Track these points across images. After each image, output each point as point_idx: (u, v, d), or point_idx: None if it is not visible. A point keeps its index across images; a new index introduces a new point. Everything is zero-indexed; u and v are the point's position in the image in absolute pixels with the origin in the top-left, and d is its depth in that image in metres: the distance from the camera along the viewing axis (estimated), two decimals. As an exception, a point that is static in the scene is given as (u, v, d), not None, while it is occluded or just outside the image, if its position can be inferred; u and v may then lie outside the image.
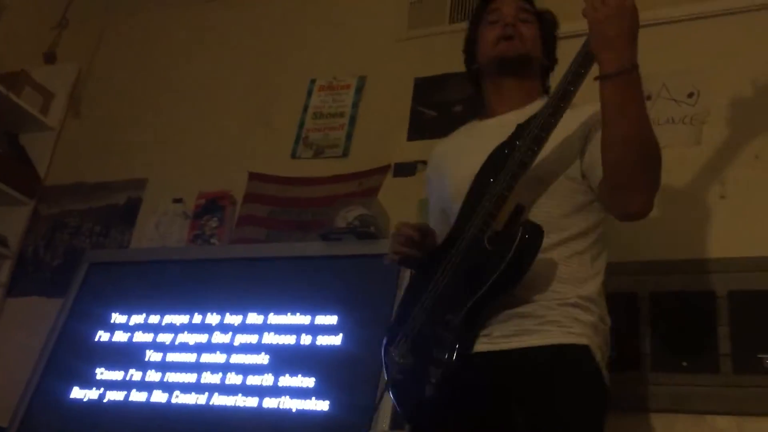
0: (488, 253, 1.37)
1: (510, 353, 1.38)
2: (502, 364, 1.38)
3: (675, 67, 2.19)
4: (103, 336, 2.52)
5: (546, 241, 1.36)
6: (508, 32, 1.61)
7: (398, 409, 1.53)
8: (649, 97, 2.10)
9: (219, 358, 2.31)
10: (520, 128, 1.46)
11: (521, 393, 1.36)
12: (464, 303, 1.38)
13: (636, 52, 1.32)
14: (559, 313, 1.39)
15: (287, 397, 2.15)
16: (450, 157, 1.69)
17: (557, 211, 1.47)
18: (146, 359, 2.41)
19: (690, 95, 2.17)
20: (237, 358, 2.29)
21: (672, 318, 1.90)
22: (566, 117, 1.41)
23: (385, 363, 1.54)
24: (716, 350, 1.83)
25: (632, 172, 1.34)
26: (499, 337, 1.40)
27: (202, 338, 2.37)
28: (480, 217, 1.41)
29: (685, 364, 1.84)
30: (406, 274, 2.13)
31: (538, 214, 1.44)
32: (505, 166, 1.41)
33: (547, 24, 1.71)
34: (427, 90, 2.63)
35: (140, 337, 2.47)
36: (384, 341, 1.57)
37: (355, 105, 2.74)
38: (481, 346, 1.40)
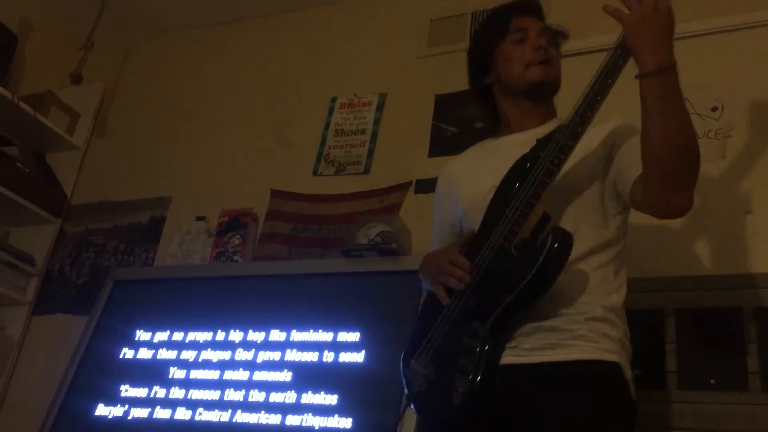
0: (516, 260, 1.37)
1: (538, 366, 1.37)
2: (529, 378, 1.37)
3: (698, 82, 2.18)
4: (127, 353, 2.54)
5: (572, 252, 1.36)
6: (543, 57, 1.59)
7: (422, 420, 1.52)
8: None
9: (242, 375, 2.32)
10: (541, 142, 1.46)
11: (549, 407, 1.35)
12: (492, 311, 1.38)
13: (672, 51, 1.34)
14: (588, 328, 1.39)
15: (310, 414, 2.15)
16: (463, 174, 1.68)
17: (583, 222, 1.47)
18: (170, 376, 2.42)
19: (714, 109, 2.15)
20: (260, 375, 2.29)
21: (698, 335, 1.88)
22: (589, 132, 1.42)
23: (404, 375, 1.53)
24: (744, 368, 1.80)
25: (674, 167, 1.35)
26: (527, 350, 1.39)
27: (226, 355, 2.38)
28: (505, 226, 1.41)
29: (712, 382, 1.81)
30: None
31: (566, 225, 1.43)
32: (529, 175, 1.41)
33: (559, 46, 1.71)
34: (447, 106, 2.64)
35: (164, 354, 2.48)
36: (402, 354, 1.56)
37: (376, 122, 2.76)
38: (508, 358, 1.40)
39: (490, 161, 1.59)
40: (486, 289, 1.41)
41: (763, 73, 2.13)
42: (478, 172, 1.62)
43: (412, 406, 1.52)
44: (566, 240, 1.34)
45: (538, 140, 1.48)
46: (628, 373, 1.41)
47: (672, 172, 1.35)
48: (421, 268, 1.64)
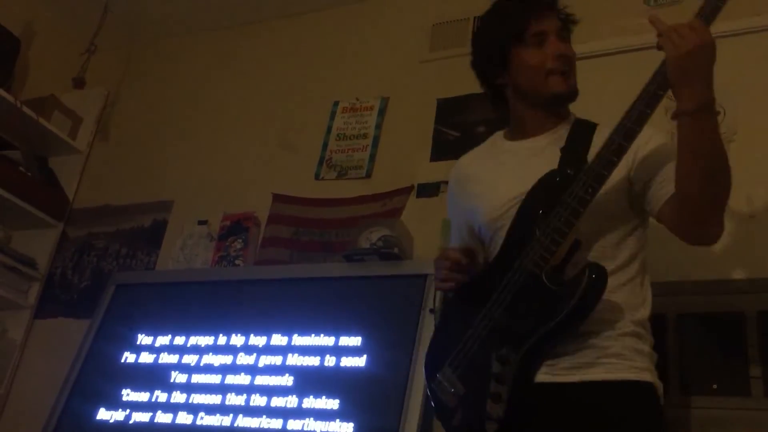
0: (550, 292, 1.36)
1: (572, 386, 1.37)
2: (563, 397, 1.36)
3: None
4: (129, 357, 2.54)
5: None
6: (564, 68, 1.54)
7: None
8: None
9: (243, 379, 2.32)
10: (565, 153, 1.46)
11: (583, 428, 1.34)
12: (524, 340, 1.37)
13: (713, 88, 1.32)
14: (621, 345, 1.39)
15: (311, 418, 2.15)
16: (481, 180, 1.64)
17: (609, 239, 1.47)
18: (171, 380, 2.42)
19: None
20: (261, 380, 2.29)
21: (700, 340, 1.88)
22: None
23: (431, 389, 1.53)
24: (747, 373, 1.79)
25: (708, 205, 1.37)
26: (562, 368, 1.38)
27: (227, 359, 2.38)
28: (536, 252, 1.38)
29: (715, 387, 1.81)
30: (430, 296, 2.13)
31: (592, 243, 1.44)
32: (561, 199, 1.38)
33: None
34: (449, 111, 2.64)
35: (166, 358, 2.48)
36: (426, 365, 1.55)
37: (378, 126, 2.76)
38: (544, 376, 1.39)
39: (509, 170, 1.57)
40: (518, 316, 1.39)
41: (766, 77, 2.13)
42: (498, 181, 1.58)
43: (439, 419, 1.53)
44: (602, 275, 1.34)
45: (561, 150, 1.48)
46: (660, 390, 1.42)
47: (705, 209, 1.37)
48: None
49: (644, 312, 1.46)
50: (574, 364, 1.38)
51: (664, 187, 1.42)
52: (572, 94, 1.57)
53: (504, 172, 1.59)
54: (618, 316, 1.41)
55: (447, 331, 1.55)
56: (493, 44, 1.60)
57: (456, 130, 2.59)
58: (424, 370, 1.57)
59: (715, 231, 1.41)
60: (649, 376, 1.40)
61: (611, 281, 1.40)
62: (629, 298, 1.44)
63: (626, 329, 1.41)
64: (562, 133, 1.54)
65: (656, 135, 1.49)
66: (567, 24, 1.61)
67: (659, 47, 1.34)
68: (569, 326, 1.36)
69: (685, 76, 1.31)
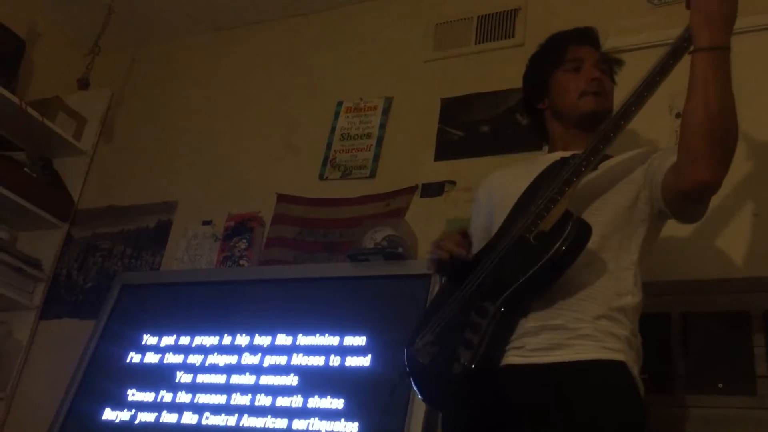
0: (533, 246, 1.39)
1: (542, 367, 1.37)
2: (535, 379, 1.37)
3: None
4: (134, 357, 2.55)
5: (590, 249, 1.38)
6: (597, 88, 1.65)
7: (419, 393, 1.52)
8: (678, 115, 2.09)
9: (248, 379, 2.32)
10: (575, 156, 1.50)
11: (555, 409, 1.34)
12: (503, 291, 1.39)
13: (730, 37, 1.40)
14: (593, 327, 1.39)
15: (316, 418, 2.15)
16: (503, 182, 1.71)
17: (608, 225, 1.48)
18: (177, 380, 2.42)
19: (720, 112, 2.14)
20: (266, 380, 2.30)
21: (705, 339, 1.87)
22: (626, 155, 1.51)
23: (407, 352, 1.52)
24: (752, 372, 1.78)
25: (707, 141, 1.37)
26: (532, 350, 1.39)
27: (232, 359, 2.39)
28: (528, 219, 1.43)
29: (720, 386, 1.81)
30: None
31: (600, 230, 1.44)
32: (558, 175, 1.44)
33: (614, 74, 1.76)
34: (453, 110, 2.64)
35: (171, 358, 2.49)
36: (409, 338, 1.55)
37: (382, 126, 2.76)
38: (513, 358, 1.40)
39: (526, 168, 1.64)
40: (500, 273, 1.42)
41: (769, 75, 2.13)
42: (516, 176, 1.65)
43: (410, 379, 1.52)
44: (584, 229, 1.37)
45: (572, 155, 1.53)
46: (635, 372, 1.40)
47: (705, 145, 1.37)
48: None
49: (630, 300, 1.45)
50: (544, 345, 1.38)
51: (668, 159, 1.45)
52: (604, 113, 1.63)
53: (521, 171, 1.66)
54: (597, 299, 1.41)
55: (433, 306, 1.57)
56: (537, 71, 1.77)
57: (460, 129, 2.59)
58: (407, 340, 1.55)
59: (712, 172, 1.37)
60: (621, 356, 1.39)
61: (599, 265, 1.43)
62: (614, 285, 1.44)
63: (601, 312, 1.40)
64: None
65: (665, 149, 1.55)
66: (608, 60, 1.73)
67: None
68: (545, 278, 1.37)
69: (707, 17, 1.39)
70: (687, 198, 1.44)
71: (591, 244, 1.38)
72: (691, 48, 1.41)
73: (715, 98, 1.36)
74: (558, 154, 1.63)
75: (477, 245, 1.67)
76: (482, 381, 1.38)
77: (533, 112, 1.79)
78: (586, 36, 1.74)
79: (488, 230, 1.67)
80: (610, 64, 1.74)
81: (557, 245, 1.35)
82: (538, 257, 1.36)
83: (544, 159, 1.67)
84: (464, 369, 1.36)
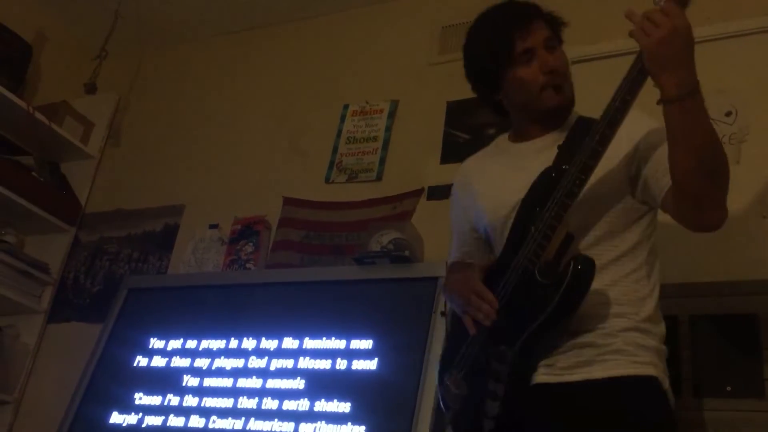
0: (540, 285, 1.36)
1: (573, 385, 1.36)
2: (564, 397, 1.36)
3: (711, 87, 2.13)
4: (141, 361, 2.55)
5: (599, 261, 1.35)
6: (558, 82, 1.53)
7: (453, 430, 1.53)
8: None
9: (255, 383, 2.32)
10: (562, 149, 1.45)
11: (587, 428, 1.33)
12: (518, 336, 1.38)
13: (694, 71, 1.28)
14: (622, 341, 1.37)
15: (323, 422, 2.15)
16: (484, 183, 1.66)
17: (607, 228, 1.46)
18: (184, 384, 2.42)
19: (728, 114, 2.14)
20: (273, 383, 2.29)
21: (713, 341, 1.86)
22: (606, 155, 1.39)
23: (440, 394, 1.54)
24: (760, 375, 1.78)
25: (704, 190, 1.33)
26: (563, 368, 1.38)
27: (239, 363, 2.39)
28: (529, 248, 1.39)
29: (728, 388, 1.80)
30: (441, 298, 2.12)
31: (588, 234, 1.43)
32: (552, 194, 1.38)
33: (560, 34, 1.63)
34: (459, 113, 2.64)
35: (178, 362, 2.49)
36: (437, 371, 1.57)
37: (388, 129, 2.76)
38: (542, 377, 1.39)
39: (513, 171, 1.57)
40: (512, 313, 1.40)
41: (778, 77, 2.12)
42: (502, 182, 1.59)
43: (450, 426, 1.55)
44: (588, 264, 1.33)
45: (559, 147, 1.47)
46: (666, 384, 1.40)
47: (701, 195, 1.33)
48: (445, 287, 1.66)
49: (650, 304, 1.43)
50: (573, 363, 1.37)
51: (666, 176, 1.38)
52: (567, 106, 1.57)
53: (508, 173, 1.59)
54: (621, 311, 1.40)
55: (455, 335, 1.56)
56: (484, 68, 1.59)
57: (466, 132, 2.59)
58: (437, 376, 1.58)
59: (716, 216, 1.36)
60: (652, 370, 1.37)
61: (613, 273, 1.41)
62: (634, 289, 1.43)
63: (628, 325, 1.39)
64: (564, 133, 1.54)
65: (653, 123, 1.45)
66: (555, 29, 1.58)
67: (631, 36, 1.30)
68: (558, 320, 1.35)
69: (662, 64, 1.27)
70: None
71: (599, 258, 1.36)
72: (659, 99, 1.30)
73: (701, 140, 1.29)
74: (535, 146, 1.57)
75: (467, 245, 1.66)
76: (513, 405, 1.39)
77: (493, 105, 1.67)
78: (527, 14, 1.55)
79: (479, 232, 1.65)
80: (557, 31, 1.58)
81: (562, 290, 1.32)
82: (546, 301, 1.33)
83: (521, 153, 1.60)
84: (495, 425, 1.38)
